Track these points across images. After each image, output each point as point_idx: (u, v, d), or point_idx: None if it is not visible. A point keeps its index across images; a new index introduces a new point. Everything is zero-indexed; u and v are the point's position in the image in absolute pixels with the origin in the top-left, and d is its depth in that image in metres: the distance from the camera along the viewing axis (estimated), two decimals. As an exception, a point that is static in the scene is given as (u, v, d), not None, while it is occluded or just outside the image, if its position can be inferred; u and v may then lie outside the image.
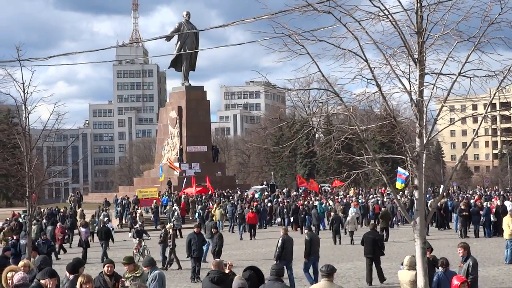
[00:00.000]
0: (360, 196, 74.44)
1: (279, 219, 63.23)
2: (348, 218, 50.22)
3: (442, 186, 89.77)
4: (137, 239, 39.72)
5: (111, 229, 46.20)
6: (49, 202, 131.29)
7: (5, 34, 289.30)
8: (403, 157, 14.18)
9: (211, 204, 67.12)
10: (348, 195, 73.76)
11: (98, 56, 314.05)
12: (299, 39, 13.54)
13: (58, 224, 48.38)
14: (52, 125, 28.96)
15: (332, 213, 55.10)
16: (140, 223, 46.39)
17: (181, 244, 37.06)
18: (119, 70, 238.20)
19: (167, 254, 35.64)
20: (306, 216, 59.20)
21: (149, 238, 41.46)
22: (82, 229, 43.74)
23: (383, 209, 54.95)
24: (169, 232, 37.40)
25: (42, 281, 12.76)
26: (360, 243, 30.02)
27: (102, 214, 57.21)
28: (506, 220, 34.16)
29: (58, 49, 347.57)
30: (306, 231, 29.73)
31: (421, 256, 13.60)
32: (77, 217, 59.17)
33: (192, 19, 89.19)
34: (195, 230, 32.63)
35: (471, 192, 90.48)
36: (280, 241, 28.03)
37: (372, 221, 50.56)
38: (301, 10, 13.49)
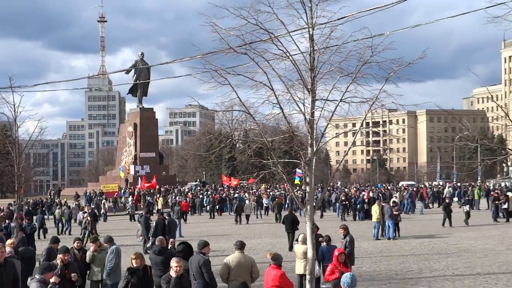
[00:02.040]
0: (268, 190, 74.46)
1: (208, 207, 62.78)
2: (246, 204, 49.71)
3: (353, 185, 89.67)
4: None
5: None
6: (34, 195, 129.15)
7: (1, 67, 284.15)
8: (299, 161, 14.21)
9: (157, 195, 66.95)
10: (259, 189, 73.91)
11: (74, 85, 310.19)
12: (223, 73, 13.45)
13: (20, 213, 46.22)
14: (36, 136, 29.09)
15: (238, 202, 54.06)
16: (103, 210, 45.19)
17: (134, 226, 36.27)
18: (90, 95, 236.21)
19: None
20: (228, 205, 59.11)
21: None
22: (80, 213, 43.13)
23: (277, 200, 53.36)
24: (88, 219, 35.32)
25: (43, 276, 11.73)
26: (281, 222, 30.70)
27: (74, 203, 55.94)
28: (374, 207, 34.70)
29: (44, 79, 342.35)
30: (158, 215, 30.21)
31: (311, 234, 13.61)
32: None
33: (146, 57, 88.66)
34: (148, 215, 32.81)
35: (351, 186, 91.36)
36: (155, 223, 28.98)
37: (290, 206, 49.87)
38: (224, 51, 13.43)
